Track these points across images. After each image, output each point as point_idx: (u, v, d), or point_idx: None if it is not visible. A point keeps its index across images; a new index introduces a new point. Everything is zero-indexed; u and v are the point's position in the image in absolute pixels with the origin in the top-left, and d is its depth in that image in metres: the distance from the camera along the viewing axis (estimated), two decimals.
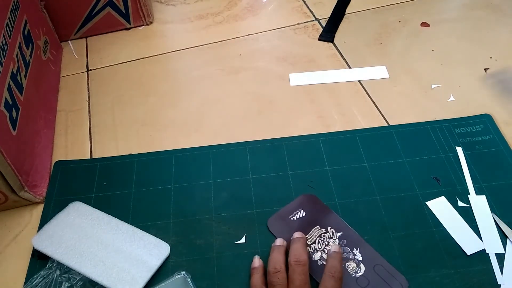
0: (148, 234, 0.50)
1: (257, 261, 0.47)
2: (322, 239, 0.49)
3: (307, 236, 0.49)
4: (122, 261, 0.47)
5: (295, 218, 0.51)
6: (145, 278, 0.46)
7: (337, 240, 0.49)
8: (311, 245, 0.49)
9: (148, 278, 0.46)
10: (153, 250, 0.49)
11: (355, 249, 0.48)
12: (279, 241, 0.48)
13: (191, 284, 0.45)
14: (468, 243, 0.48)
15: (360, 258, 0.47)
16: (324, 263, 0.47)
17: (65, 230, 0.50)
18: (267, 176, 0.55)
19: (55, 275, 0.47)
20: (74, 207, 0.52)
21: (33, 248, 0.49)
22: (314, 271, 0.46)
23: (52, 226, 0.50)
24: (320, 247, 0.48)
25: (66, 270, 0.47)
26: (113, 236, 0.50)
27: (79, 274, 0.47)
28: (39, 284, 0.47)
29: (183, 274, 0.46)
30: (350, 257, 0.47)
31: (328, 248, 0.48)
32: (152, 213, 0.52)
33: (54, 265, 0.48)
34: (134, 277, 0.46)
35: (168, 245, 0.49)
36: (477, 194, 0.52)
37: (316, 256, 0.48)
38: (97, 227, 0.50)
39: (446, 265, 0.46)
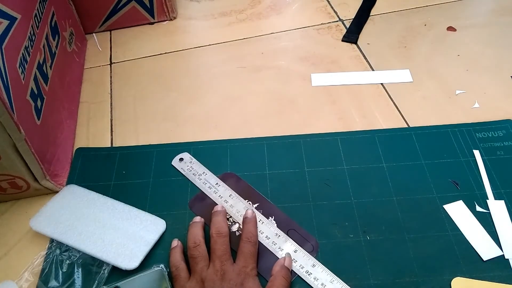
0: (143, 211, 0.51)
1: (175, 242, 0.48)
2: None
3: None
4: (120, 237, 0.49)
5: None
6: (144, 252, 0.47)
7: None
8: (229, 218, 0.51)
9: (147, 252, 0.48)
10: (149, 226, 0.50)
11: (270, 217, 0.51)
12: (197, 218, 0.50)
13: (167, 278, 0.45)
14: (485, 248, 0.47)
15: (275, 225, 0.50)
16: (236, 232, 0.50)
17: (62, 212, 0.51)
18: (283, 172, 0.55)
19: (55, 254, 0.48)
20: (69, 190, 0.54)
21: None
22: (233, 242, 0.48)
23: (49, 208, 0.52)
24: (229, 227, 0.51)
25: (66, 248, 0.48)
26: (109, 215, 0.51)
27: (79, 252, 0.48)
28: (41, 264, 0.48)
29: (161, 267, 0.46)
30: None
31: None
32: (169, 203, 0.53)
33: (54, 244, 0.49)
34: (133, 251, 0.47)
35: (164, 221, 0.50)
36: (496, 199, 0.51)
37: (234, 228, 0.50)
38: (93, 207, 0.52)
39: (461, 270, 0.45)
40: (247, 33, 0.77)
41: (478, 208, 0.50)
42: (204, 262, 0.45)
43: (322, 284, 0.45)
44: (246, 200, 0.52)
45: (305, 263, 0.46)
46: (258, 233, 0.49)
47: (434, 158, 0.55)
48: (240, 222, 0.50)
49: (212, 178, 0.55)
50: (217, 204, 0.52)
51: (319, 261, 0.47)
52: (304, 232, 0.49)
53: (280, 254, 0.47)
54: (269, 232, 0.49)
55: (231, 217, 0.51)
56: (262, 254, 0.48)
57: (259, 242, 0.48)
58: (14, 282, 0.47)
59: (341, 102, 0.64)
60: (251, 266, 0.45)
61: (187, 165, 0.56)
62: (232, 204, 0.52)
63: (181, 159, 0.57)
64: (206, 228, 0.50)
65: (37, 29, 0.56)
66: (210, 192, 0.53)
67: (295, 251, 0.47)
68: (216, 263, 0.44)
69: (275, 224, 0.50)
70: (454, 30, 0.74)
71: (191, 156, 0.57)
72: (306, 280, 0.45)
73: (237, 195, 0.53)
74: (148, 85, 0.69)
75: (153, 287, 0.45)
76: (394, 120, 0.61)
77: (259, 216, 0.51)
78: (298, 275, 0.46)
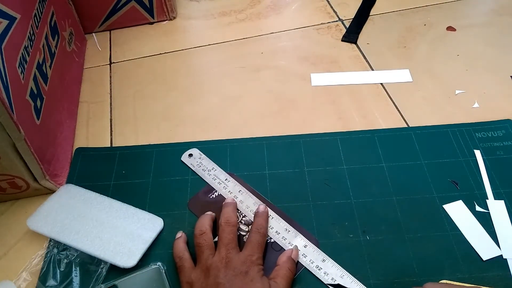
0: (141, 210, 0.51)
1: (179, 233, 0.49)
2: (240, 212, 0.51)
3: None
4: (118, 235, 0.49)
5: (214, 196, 0.53)
6: (142, 250, 0.47)
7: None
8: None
9: (145, 250, 0.48)
10: (147, 224, 0.50)
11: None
12: (208, 212, 0.50)
13: (165, 276, 0.45)
14: (484, 248, 0.47)
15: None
16: (242, 233, 0.49)
17: (59, 211, 0.51)
18: (283, 172, 0.55)
19: (53, 254, 0.48)
20: (66, 189, 0.54)
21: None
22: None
23: (46, 207, 0.52)
24: (238, 219, 0.50)
25: (63, 247, 0.48)
26: (107, 214, 0.51)
27: (77, 250, 0.48)
28: (39, 263, 0.48)
29: (159, 265, 0.46)
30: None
31: (245, 219, 0.51)
32: (168, 202, 0.53)
33: (51, 244, 0.49)
34: (131, 249, 0.47)
35: (161, 219, 0.51)
36: (495, 199, 0.51)
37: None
38: (91, 206, 0.52)
39: (460, 269, 0.45)
40: (247, 33, 0.77)
41: (478, 208, 0.50)
42: (209, 250, 0.45)
43: (332, 279, 0.45)
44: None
45: (315, 258, 0.47)
46: (268, 228, 0.49)
47: (433, 158, 0.55)
48: (250, 217, 0.50)
49: (221, 174, 0.55)
50: (225, 199, 0.52)
51: None
52: (304, 232, 0.49)
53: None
54: (279, 227, 0.49)
55: (240, 214, 0.51)
56: (270, 253, 0.48)
57: (268, 244, 0.48)
58: (13, 282, 0.47)
59: (341, 102, 0.64)
60: (256, 255, 0.44)
61: (196, 161, 0.56)
62: (241, 199, 0.52)
63: (190, 155, 0.57)
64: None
65: (37, 29, 0.56)
66: (220, 187, 0.53)
67: (305, 246, 0.48)
68: (222, 250, 0.44)
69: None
70: (454, 30, 0.74)
71: (200, 152, 0.57)
72: (316, 274, 0.45)
73: (247, 190, 0.53)
74: (147, 85, 0.69)
75: (151, 285, 0.45)
76: (394, 120, 0.61)
77: (270, 211, 0.51)
78: (308, 270, 0.46)
